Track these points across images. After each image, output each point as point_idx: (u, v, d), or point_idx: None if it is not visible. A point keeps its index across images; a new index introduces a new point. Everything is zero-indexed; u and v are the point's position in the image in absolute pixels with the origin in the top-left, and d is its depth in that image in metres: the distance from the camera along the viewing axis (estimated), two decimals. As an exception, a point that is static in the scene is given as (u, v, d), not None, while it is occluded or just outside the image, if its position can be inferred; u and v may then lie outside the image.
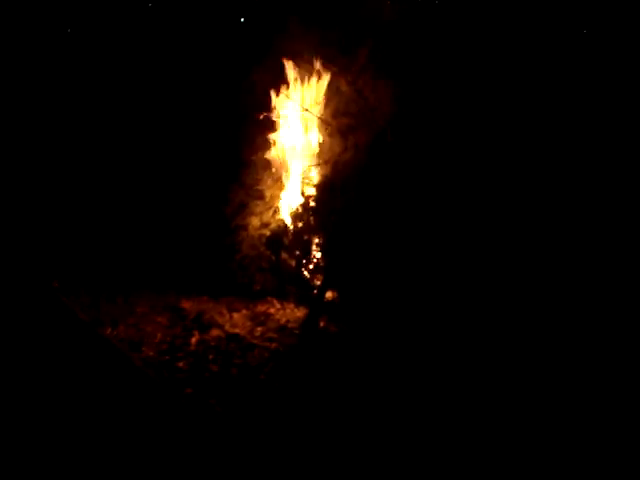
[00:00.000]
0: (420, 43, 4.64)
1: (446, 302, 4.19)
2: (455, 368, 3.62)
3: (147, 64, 6.34)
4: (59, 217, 5.30)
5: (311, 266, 4.80)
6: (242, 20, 6.59)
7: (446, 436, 3.01)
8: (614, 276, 4.22)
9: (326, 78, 4.77)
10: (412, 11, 4.65)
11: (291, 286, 4.78)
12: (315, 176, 4.99)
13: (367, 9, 4.76)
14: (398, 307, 4.22)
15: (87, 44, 6.76)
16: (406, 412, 3.20)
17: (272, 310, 4.59)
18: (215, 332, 4.12)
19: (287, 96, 4.79)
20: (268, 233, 4.89)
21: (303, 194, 4.88)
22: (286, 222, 4.92)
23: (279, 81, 4.85)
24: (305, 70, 4.79)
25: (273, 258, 4.83)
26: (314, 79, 4.78)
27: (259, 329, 4.24)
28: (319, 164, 4.95)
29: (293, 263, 4.82)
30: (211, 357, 3.76)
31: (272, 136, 4.92)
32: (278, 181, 5.02)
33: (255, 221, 4.93)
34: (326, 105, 4.87)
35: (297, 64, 4.80)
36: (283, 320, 4.41)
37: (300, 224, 4.80)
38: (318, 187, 4.84)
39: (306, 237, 4.79)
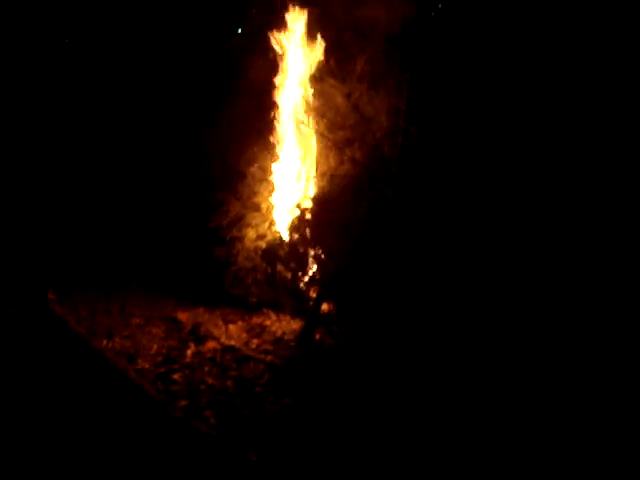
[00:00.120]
0: (420, 52, 4.64)
1: (443, 313, 4.19)
2: (453, 380, 3.62)
3: (145, 66, 6.37)
4: (59, 225, 5.32)
5: (307, 278, 4.82)
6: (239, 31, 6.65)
7: (444, 450, 3.01)
8: (614, 276, 4.23)
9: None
10: (411, 20, 4.64)
11: (287, 298, 4.80)
12: (311, 189, 5.02)
13: (365, 18, 4.79)
14: (394, 319, 4.23)
15: (87, 44, 6.77)
16: (403, 425, 3.20)
17: (268, 322, 4.60)
18: (211, 344, 4.11)
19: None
20: (264, 245, 4.91)
21: (299, 207, 4.91)
22: (282, 234, 4.94)
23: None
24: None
25: (269, 270, 4.85)
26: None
27: (255, 341, 4.24)
28: (315, 177, 4.99)
29: (289, 275, 4.84)
30: (207, 369, 3.75)
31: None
32: (274, 193, 5.05)
33: (251, 233, 4.95)
34: (322, 118, 4.92)
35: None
36: (279, 332, 4.42)
37: (296, 236, 4.83)
38: (314, 200, 4.88)
39: (302, 249, 4.81)
